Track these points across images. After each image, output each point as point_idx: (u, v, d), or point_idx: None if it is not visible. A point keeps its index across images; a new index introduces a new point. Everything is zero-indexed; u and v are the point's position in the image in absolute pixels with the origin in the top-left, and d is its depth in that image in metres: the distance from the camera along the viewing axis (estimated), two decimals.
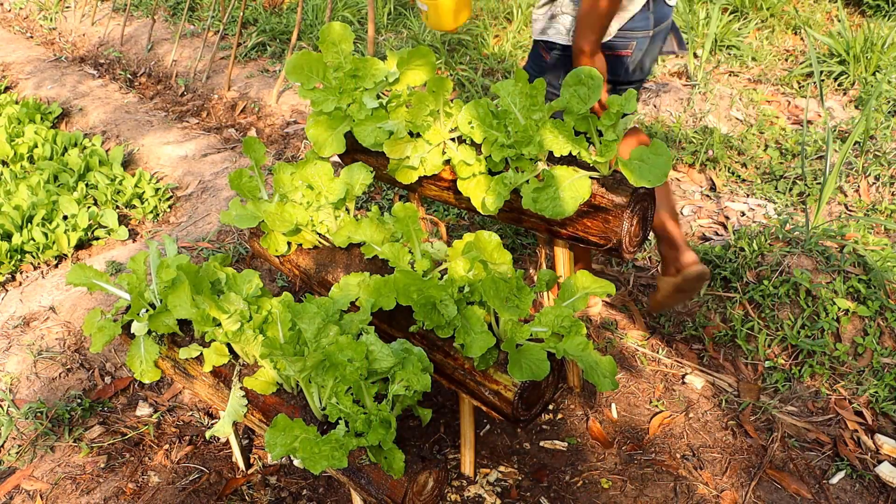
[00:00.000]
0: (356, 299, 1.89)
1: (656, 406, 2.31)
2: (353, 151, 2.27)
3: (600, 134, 1.83)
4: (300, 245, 2.21)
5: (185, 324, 1.96)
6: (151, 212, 3.58)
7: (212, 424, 2.28)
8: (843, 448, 2.14)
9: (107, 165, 3.83)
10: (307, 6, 5.31)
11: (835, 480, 2.05)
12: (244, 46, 5.15)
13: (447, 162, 2.08)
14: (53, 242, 3.17)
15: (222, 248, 3.15)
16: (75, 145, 4.07)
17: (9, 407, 2.37)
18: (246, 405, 1.79)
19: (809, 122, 3.77)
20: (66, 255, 3.22)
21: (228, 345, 1.84)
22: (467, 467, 2.08)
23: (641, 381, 2.40)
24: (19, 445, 2.25)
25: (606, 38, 2.15)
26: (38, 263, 3.16)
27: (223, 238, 3.24)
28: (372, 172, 2.15)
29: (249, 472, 2.14)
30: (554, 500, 2.02)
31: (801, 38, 4.76)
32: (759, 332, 2.49)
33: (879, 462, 2.09)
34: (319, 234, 2.17)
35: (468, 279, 1.78)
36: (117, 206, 3.61)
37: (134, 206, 3.60)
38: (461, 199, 2.09)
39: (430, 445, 2.21)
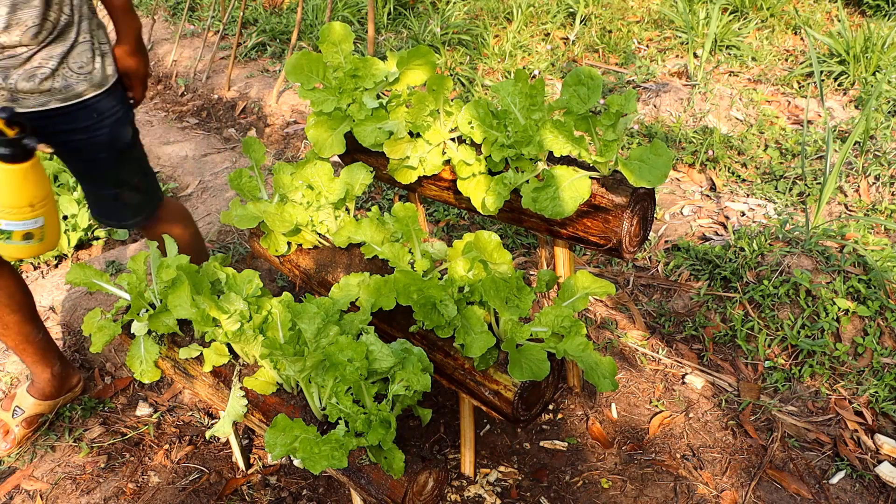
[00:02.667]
0: (356, 299, 1.89)
1: (656, 406, 2.31)
2: (354, 151, 2.27)
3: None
4: (300, 245, 2.21)
5: (185, 324, 1.96)
6: None
7: (212, 424, 2.28)
8: (843, 448, 2.14)
9: None
10: (307, 6, 5.31)
11: (835, 480, 2.05)
12: (244, 46, 5.15)
13: (447, 162, 2.08)
14: None
15: (222, 248, 3.15)
16: None
17: None
18: (246, 405, 1.79)
19: (809, 122, 3.77)
20: (66, 255, 3.22)
21: (228, 345, 1.84)
22: (467, 467, 2.08)
23: (641, 381, 2.40)
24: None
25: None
26: (38, 263, 3.16)
27: (223, 238, 3.24)
28: (372, 172, 2.15)
29: (249, 472, 2.14)
30: (554, 500, 2.02)
31: (801, 38, 4.76)
32: (759, 332, 2.50)
33: (879, 462, 2.09)
34: (319, 235, 2.17)
35: (468, 279, 1.78)
36: None
37: None
38: (461, 199, 2.09)
39: (430, 445, 2.21)
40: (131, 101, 2.03)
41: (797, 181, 3.34)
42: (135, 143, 2.06)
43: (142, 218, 2.18)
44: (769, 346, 2.46)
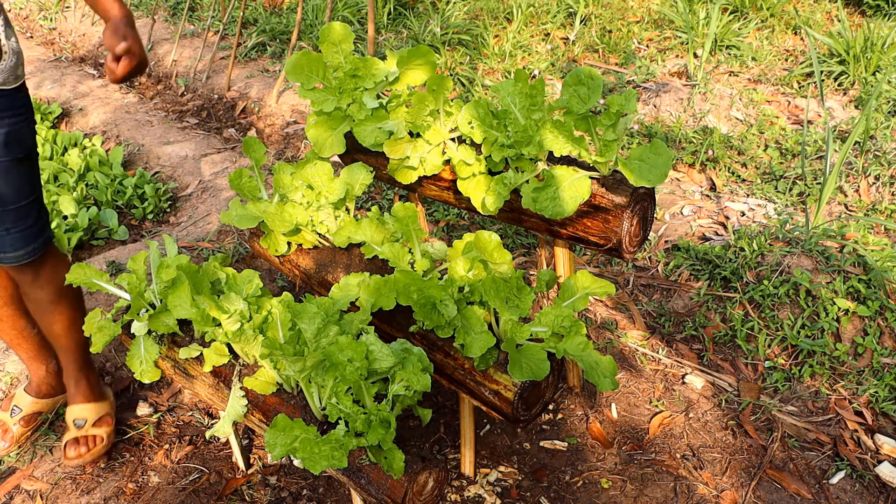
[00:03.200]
0: (356, 299, 1.89)
1: (656, 406, 2.31)
2: (353, 151, 2.27)
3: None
4: (300, 245, 2.21)
5: (185, 324, 1.96)
6: (151, 212, 3.58)
7: (212, 424, 2.28)
8: (843, 448, 2.14)
9: (107, 165, 3.83)
10: (307, 6, 5.31)
11: (835, 480, 2.05)
12: (244, 46, 5.15)
13: (447, 162, 2.08)
14: None
15: (222, 248, 3.15)
16: (75, 145, 4.07)
17: None
18: (246, 405, 1.79)
19: (809, 122, 3.77)
20: (66, 256, 3.22)
21: (228, 345, 1.84)
22: (467, 467, 2.08)
23: (641, 381, 2.40)
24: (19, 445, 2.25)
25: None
26: None
27: (223, 238, 3.24)
28: (372, 172, 2.15)
29: (249, 472, 2.14)
30: (554, 500, 2.02)
31: (801, 38, 4.76)
32: (759, 332, 2.50)
33: (879, 462, 2.09)
34: (319, 235, 2.17)
35: (468, 279, 1.78)
36: (117, 206, 3.61)
37: (134, 206, 3.60)
38: (461, 199, 2.09)
39: (430, 445, 2.21)
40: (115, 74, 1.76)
41: (797, 181, 3.34)
42: (32, 159, 1.88)
43: (24, 253, 1.89)
44: (769, 346, 2.46)
